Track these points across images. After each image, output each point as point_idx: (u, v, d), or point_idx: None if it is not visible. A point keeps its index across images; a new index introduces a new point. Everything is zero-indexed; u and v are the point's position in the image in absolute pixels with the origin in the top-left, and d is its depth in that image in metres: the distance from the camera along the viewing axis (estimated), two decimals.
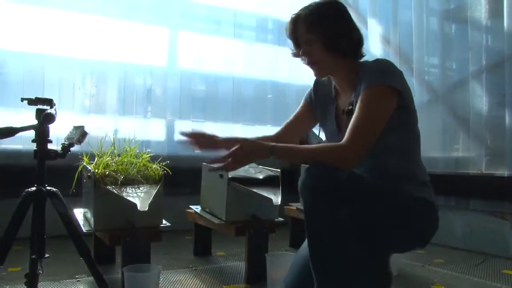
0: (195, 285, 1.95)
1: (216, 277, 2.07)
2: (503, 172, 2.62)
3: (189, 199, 2.50)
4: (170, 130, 3.36)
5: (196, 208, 2.31)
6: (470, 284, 2.06)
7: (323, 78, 1.62)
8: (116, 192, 1.70)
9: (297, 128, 1.77)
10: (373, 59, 1.50)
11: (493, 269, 2.31)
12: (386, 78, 1.42)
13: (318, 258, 1.25)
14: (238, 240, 2.01)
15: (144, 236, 1.77)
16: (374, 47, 3.64)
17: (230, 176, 1.96)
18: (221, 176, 2.01)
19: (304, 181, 1.27)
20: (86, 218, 1.97)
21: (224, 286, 1.93)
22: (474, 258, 2.55)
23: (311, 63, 1.52)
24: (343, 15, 1.52)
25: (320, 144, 1.43)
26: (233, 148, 1.34)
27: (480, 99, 2.81)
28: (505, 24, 2.67)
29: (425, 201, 1.42)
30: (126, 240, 1.73)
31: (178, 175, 3.08)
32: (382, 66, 1.47)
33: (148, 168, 1.89)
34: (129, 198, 1.66)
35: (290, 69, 3.78)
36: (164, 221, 1.90)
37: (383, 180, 1.41)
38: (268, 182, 1.96)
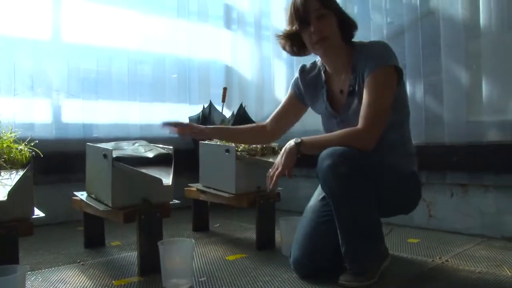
0: (80, 283, 1.69)
1: (106, 272, 1.83)
2: None
3: (82, 185, 2.18)
4: (57, 112, 2.99)
5: (82, 195, 2.03)
6: None
7: (309, 66, 1.79)
8: None
9: (287, 119, 1.89)
10: (367, 40, 1.65)
11: (399, 239, 2.31)
12: (389, 59, 1.54)
13: (350, 219, 1.48)
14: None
15: (7, 231, 1.48)
16: (276, 18, 3.51)
17: (114, 156, 1.71)
18: (105, 156, 1.75)
19: (335, 164, 1.42)
20: None
21: (113, 282, 1.70)
22: None
23: (321, 40, 1.56)
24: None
25: (340, 132, 1.52)
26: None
27: None
28: None
29: (415, 174, 1.67)
30: None
31: (69, 160, 2.76)
32: (382, 48, 1.57)
33: (13, 151, 1.59)
34: None
35: (190, 44, 3.54)
36: (37, 212, 1.61)
37: (380, 154, 1.52)
38: (159, 161, 1.72)
